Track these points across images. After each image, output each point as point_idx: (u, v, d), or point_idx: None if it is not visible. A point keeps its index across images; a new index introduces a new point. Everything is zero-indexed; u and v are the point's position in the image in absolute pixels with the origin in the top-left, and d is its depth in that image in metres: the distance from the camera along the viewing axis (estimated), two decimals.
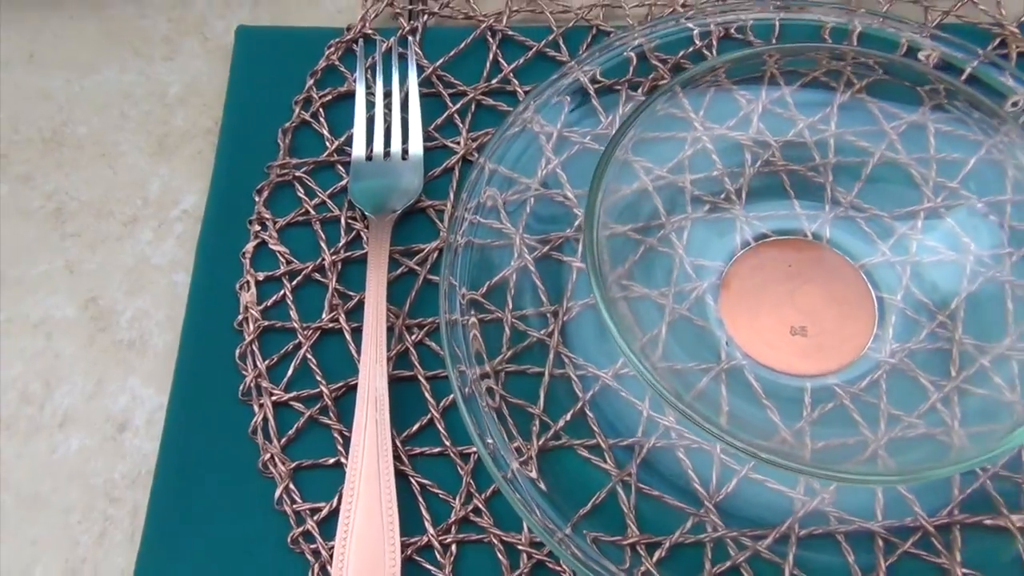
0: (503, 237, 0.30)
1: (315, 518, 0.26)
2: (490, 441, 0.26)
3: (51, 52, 0.35)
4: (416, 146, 0.32)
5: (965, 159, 0.30)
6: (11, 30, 0.35)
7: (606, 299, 0.26)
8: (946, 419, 0.26)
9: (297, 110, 0.33)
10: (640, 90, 0.33)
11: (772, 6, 0.33)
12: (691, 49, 0.33)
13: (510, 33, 0.34)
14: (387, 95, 0.33)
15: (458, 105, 0.33)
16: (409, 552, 0.26)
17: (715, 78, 0.29)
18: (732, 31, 0.33)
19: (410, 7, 0.35)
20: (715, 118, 0.31)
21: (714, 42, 0.33)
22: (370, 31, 0.34)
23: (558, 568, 0.26)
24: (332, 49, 0.34)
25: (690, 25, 0.33)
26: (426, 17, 0.35)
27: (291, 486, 0.26)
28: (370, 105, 0.33)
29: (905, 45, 0.32)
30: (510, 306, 0.29)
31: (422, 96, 0.33)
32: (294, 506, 0.26)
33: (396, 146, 0.32)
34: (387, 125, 0.32)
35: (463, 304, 0.28)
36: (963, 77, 0.31)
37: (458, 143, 0.32)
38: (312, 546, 0.26)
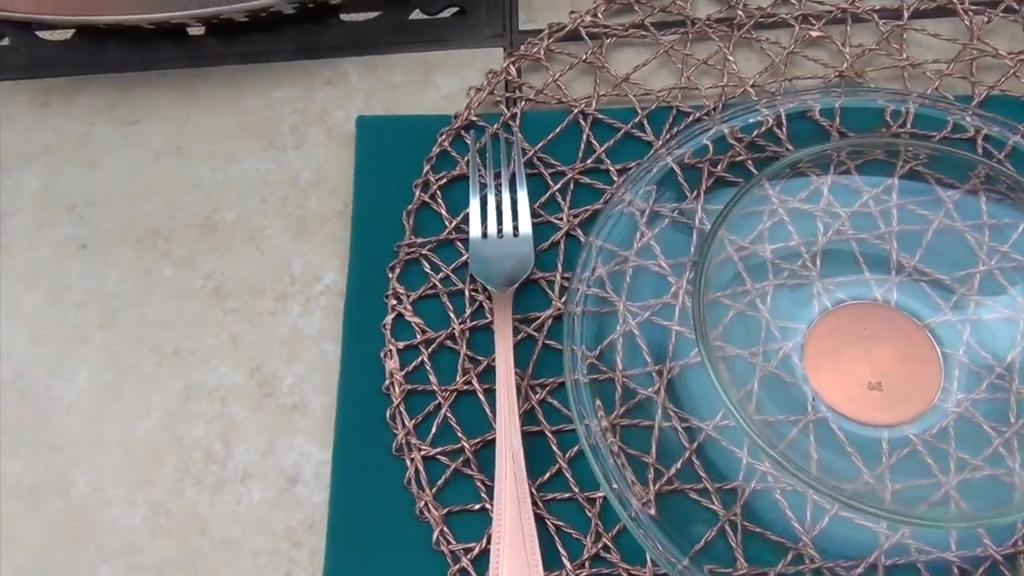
0: (609, 305, 0.34)
1: (468, 557, 0.31)
2: (615, 486, 0.30)
3: (195, 144, 0.40)
4: (525, 224, 0.36)
5: (1015, 224, 0.34)
6: (160, 125, 0.40)
7: (712, 360, 0.30)
8: (1008, 462, 0.30)
9: (417, 193, 0.38)
10: (719, 167, 0.37)
11: (836, 92, 0.37)
12: (764, 129, 0.37)
13: (599, 116, 0.39)
14: (496, 176, 0.37)
15: (559, 184, 0.38)
16: None
17: (795, 170, 0.33)
18: (802, 115, 0.37)
19: (507, 95, 0.40)
20: (789, 192, 0.35)
21: (784, 122, 0.37)
22: (475, 118, 0.39)
23: None
24: (444, 136, 0.39)
25: (764, 111, 0.37)
26: (523, 103, 0.40)
27: (445, 529, 0.31)
28: (481, 187, 0.37)
29: (951, 123, 0.36)
30: (620, 367, 0.33)
31: (526, 177, 0.37)
32: (450, 546, 0.31)
33: (508, 225, 0.36)
34: (498, 204, 0.37)
35: (583, 366, 0.32)
36: (1006, 151, 0.36)
37: (561, 219, 0.37)
38: None
